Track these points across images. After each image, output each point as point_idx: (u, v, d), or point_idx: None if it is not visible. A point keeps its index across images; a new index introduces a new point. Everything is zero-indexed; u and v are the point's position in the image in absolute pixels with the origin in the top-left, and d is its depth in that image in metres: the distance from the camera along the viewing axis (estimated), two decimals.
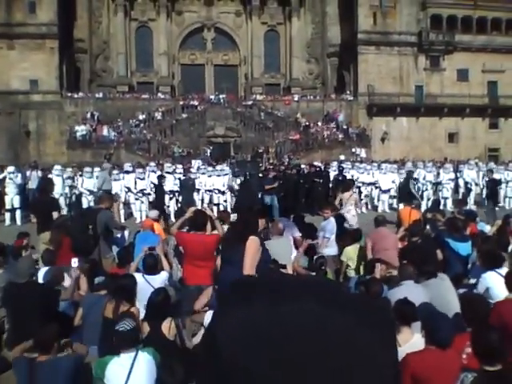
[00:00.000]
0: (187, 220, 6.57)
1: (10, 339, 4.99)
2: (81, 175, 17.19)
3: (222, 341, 0.60)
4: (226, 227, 6.99)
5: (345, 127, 36.33)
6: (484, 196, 17.50)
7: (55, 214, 8.64)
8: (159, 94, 39.38)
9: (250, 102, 37.70)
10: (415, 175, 19.08)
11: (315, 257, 7.58)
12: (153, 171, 17.44)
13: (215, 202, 16.96)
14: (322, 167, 20.13)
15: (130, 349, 3.87)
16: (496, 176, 19.13)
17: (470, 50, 39.84)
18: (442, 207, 16.72)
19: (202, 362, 0.73)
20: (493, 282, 5.39)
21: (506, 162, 25.27)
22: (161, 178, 15.49)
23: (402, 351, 3.89)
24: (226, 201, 17.31)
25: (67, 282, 6.52)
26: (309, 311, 0.59)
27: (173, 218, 15.05)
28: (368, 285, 5.43)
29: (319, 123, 36.73)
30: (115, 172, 17.04)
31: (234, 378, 0.60)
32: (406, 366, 3.53)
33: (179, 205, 16.02)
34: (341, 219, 9.45)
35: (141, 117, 35.10)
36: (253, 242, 4.52)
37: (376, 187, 18.62)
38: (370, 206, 18.70)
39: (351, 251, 7.96)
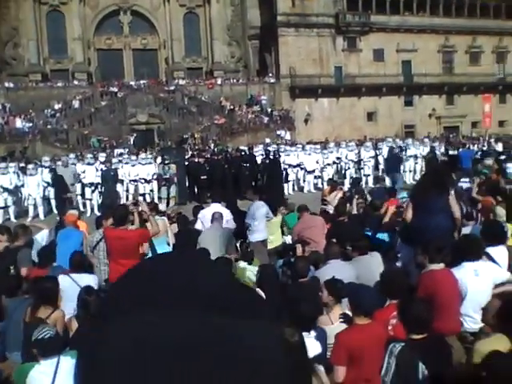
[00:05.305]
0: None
1: None
2: None
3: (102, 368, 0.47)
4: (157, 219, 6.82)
5: (269, 110, 36.59)
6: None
7: None
8: (75, 82, 37.57)
9: (172, 87, 36.86)
10: (338, 155, 19.68)
11: (239, 242, 7.59)
12: (73, 163, 16.67)
13: (141, 191, 16.52)
14: (247, 151, 20.18)
15: (52, 355, 3.69)
16: (412, 151, 20.36)
17: (385, 31, 41.26)
18: (364, 184, 17.42)
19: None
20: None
21: (421, 138, 26.68)
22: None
23: (335, 328, 4.00)
24: (152, 190, 16.91)
25: None
26: (192, 320, 0.48)
27: (96, 212, 14.55)
28: (294, 263, 5.55)
29: (243, 107, 36.72)
30: (30, 166, 16.10)
31: None
32: (338, 344, 3.63)
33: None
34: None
35: (56, 106, 33.29)
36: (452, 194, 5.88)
37: (301, 168, 18.95)
38: (296, 188, 19.05)
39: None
